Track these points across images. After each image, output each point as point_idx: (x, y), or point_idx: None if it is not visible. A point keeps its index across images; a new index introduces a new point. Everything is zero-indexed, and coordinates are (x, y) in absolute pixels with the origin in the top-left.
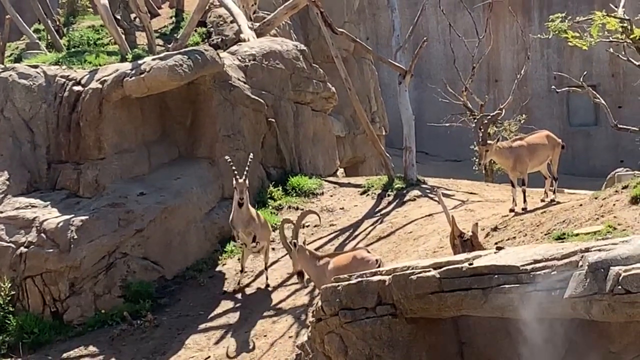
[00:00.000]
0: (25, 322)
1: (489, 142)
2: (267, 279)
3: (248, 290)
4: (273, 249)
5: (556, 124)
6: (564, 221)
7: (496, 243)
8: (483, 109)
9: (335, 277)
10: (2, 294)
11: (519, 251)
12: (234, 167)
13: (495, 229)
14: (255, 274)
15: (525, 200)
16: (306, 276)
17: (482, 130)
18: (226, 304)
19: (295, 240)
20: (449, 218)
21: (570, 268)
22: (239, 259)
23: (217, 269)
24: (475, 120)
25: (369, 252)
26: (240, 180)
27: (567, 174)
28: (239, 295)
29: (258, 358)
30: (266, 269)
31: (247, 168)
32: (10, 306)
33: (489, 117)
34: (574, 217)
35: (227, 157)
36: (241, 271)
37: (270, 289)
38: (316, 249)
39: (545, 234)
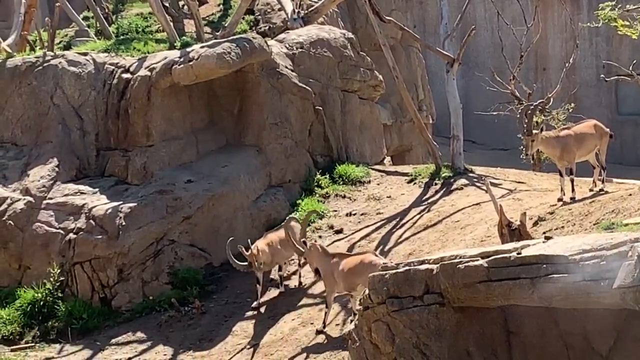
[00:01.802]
0: (74, 307)
1: (534, 131)
2: (300, 276)
3: (294, 278)
4: (320, 236)
5: (604, 113)
6: (612, 211)
7: (544, 232)
8: (531, 97)
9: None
10: (52, 279)
11: (567, 241)
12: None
13: (543, 218)
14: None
15: (573, 190)
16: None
17: (527, 120)
18: (273, 292)
19: (305, 239)
20: (497, 207)
21: (619, 258)
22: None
23: None
24: (520, 110)
25: (377, 255)
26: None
27: (616, 163)
28: (285, 282)
29: (305, 345)
30: (300, 266)
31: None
32: (59, 292)
33: (533, 106)
34: (623, 207)
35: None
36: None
37: (304, 286)
38: (363, 238)
39: (594, 224)
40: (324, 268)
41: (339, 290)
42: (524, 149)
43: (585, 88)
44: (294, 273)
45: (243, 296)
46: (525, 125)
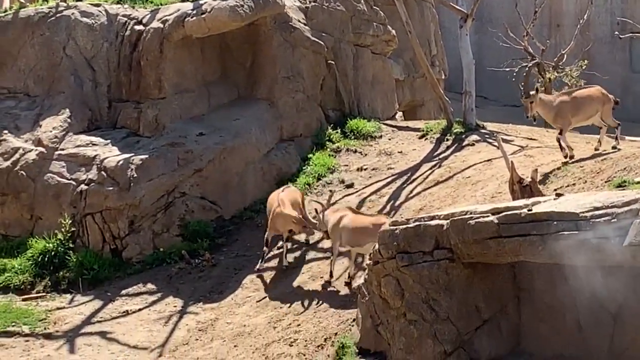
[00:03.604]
0: (85, 258)
1: (531, 93)
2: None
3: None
4: (330, 191)
5: (618, 71)
6: (624, 169)
7: (555, 189)
8: (544, 53)
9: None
10: (63, 230)
11: (578, 198)
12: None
13: (554, 174)
14: (312, 215)
15: (562, 148)
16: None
17: (524, 81)
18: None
19: (315, 214)
20: (508, 163)
21: (631, 216)
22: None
23: None
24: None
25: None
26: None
27: (628, 120)
28: (295, 236)
29: (314, 299)
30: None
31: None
32: (70, 242)
33: (528, 67)
34: (635, 165)
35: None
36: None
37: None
38: (373, 193)
39: (606, 182)
40: (329, 219)
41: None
42: (524, 112)
43: (599, 45)
44: None
45: (253, 249)
46: (522, 88)
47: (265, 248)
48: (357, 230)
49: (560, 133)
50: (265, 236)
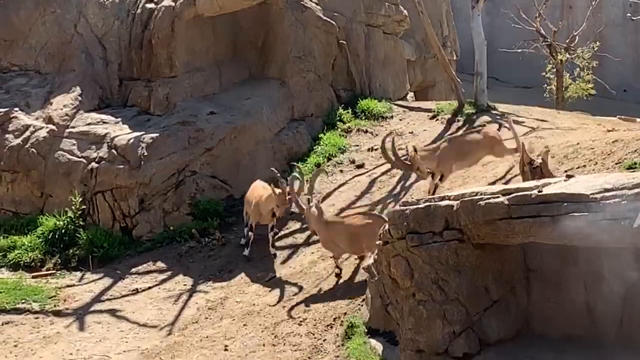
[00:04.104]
0: (95, 236)
1: (409, 157)
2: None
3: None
4: (341, 171)
5: (629, 53)
6: (635, 150)
7: (566, 171)
8: (556, 35)
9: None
10: (73, 208)
11: (589, 179)
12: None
13: (565, 156)
14: (322, 195)
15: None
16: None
17: (393, 151)
18: (293, 225)
19: (310, 197)
20: (519, 144)
21: None
22: (307, 181)
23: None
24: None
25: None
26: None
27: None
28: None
29: (324, 279)
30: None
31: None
32: (80, 220)
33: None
34: None
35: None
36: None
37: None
38: (384, 173)
39: (616, 163)
40: (321, 234)
41: (344, 253)
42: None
43: (611, 27)
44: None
45: (263, 229)
46: (395, 159)
47: (250, 233)
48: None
49: (441, 179)
50: (249, 223)
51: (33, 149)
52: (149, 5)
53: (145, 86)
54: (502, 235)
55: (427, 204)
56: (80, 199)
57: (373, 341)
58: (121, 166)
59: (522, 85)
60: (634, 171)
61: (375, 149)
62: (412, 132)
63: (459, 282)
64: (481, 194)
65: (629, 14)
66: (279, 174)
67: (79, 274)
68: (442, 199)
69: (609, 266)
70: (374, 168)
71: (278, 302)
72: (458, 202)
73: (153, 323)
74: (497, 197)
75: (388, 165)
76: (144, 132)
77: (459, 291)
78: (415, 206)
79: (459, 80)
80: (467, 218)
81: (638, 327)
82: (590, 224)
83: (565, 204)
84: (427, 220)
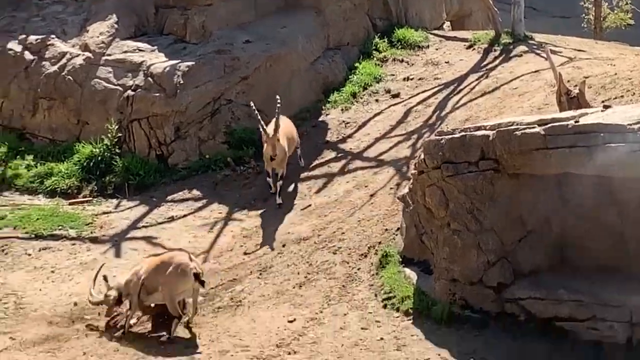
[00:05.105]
0: (131, 164)
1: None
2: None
3: (349, 141)
4: (377, 100)
5: None
6: None
7: (603, 101)
8: None
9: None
10: (109, 135)
11: (626, 110)
12: (259, 118)
13: (602, 86)
14: (358, 125)
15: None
16: None
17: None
18: (328, 154)
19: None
20: (556, 75)
21: None
22: (342, 110)
23: (320, 118)
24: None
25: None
26: (271, 135)
27: None
28: (341, 145)
29: (358, 208)
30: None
31: (277, 114)
32: (116, 148)
33: None
34: None
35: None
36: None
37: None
38: (419, 103)
39: None
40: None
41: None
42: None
43: None
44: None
45: (298, 158)
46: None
47: (268, 179)
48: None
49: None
50: (266, 170)
51: (69, 77)
52: None
53: (181, 14)
54: (537, 165)
55: (463, 133)
56: (116, 127)
57: (407, 270)
58: (157, 94)
59: (559, 15)
60: None
61: (411, 79)
62: (448, 62)
63: (494, 212)
64: (517, 124)
65: None
66: (255, 111)
67: (115, 201)
68: (478, 128)
69: None
70: (410, 98)
71: (313, 230)
72: (494, 132)
73: (188, 250)
74: (533, 127)
75: (424, 95)
76: (179, 61)
77: (493, 221)
78: (450, 136)
79: (496, 9)
80: (502, 148)
81: None
82: (626, 154)
83: (602, 134)
84: (462, 150)
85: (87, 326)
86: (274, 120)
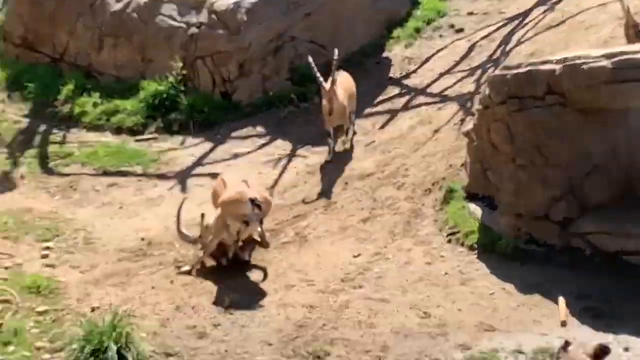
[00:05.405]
0: (195, 101)
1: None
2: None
3: (413, 77)
4: (440, 35)
5: None
6: None
7: None
8: None
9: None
10: (174, 73)
11: None
12: (316, 71)
13: None
14: (421, 60)
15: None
16: None
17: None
18: (391, 90)
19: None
20: (624, 7)
21: None
22: (405, 46)
23: (384, 54)
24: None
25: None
26: (327, 88)
27: None
28: (404, 81)
29: (422, 143)
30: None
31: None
32: (181, 85)
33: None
34: None
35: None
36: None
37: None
38: (483, 38)
39: None
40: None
41: None
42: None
43: None
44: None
45: (362, 94)
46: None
47: (329, 139)
48: None
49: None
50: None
51: (134, 14)
52: None
53: None
54: (604, 99)
55: (529, 68)
56: (181, 64)
57: (472, 205)
58: (221, 31)
59: None
60: None
61: (475, 13)
62: None
63: (560, 147)
64: (584, 58)
65: None
66: (313, 66)
67: (180, 138)
68: (544, 63)
69: None
70: (474, 33)
71: (377, 166)
72: (560, 66)
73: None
74: (600, 60)
75: (488, 30)
76: None
77: (559, 156)
78: (516, 70)
79: None
80: (569, 82)
81: None
82: None
83: None
84: (528, 84)
85: (177, 268)
86: (332, 73)
